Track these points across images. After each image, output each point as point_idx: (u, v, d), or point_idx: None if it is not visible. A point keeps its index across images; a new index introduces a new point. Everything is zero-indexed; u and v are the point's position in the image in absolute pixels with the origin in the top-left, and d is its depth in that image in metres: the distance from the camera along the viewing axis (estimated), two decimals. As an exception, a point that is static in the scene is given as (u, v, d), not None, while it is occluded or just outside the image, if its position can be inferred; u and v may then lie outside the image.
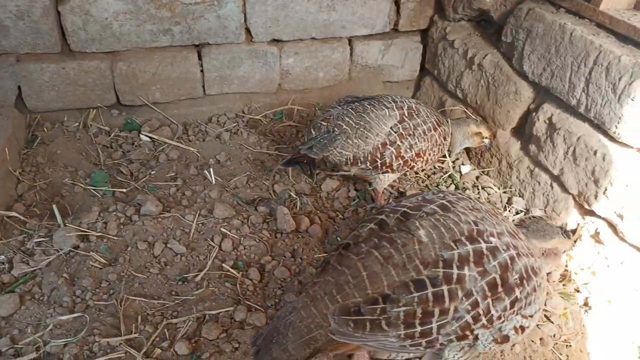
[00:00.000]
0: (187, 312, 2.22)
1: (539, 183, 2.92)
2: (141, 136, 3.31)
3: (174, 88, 3.41)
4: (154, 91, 3.38)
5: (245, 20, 3.30)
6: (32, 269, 2.31)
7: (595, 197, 2.56)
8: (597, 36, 2.53)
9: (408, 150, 2.73)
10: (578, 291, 2.60)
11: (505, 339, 1.70)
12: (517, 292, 1.63)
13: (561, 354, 2.32)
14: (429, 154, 2.84)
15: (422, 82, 3.89)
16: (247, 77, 3.52)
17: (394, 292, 1.54)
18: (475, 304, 1.56)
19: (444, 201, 1.74)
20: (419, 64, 3.89)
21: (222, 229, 2.63)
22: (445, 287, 1.53)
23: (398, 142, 2.70)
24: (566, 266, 2.69)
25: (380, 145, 2.68)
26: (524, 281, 1.65)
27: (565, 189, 2.76)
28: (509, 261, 1.62)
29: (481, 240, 1.62)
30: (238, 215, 2.74)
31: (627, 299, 2.46)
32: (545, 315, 2.45)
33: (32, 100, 3.16)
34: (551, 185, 2.85)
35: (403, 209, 1.73)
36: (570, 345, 2.36)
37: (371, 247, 1.62)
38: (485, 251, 1.60)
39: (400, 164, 2.75)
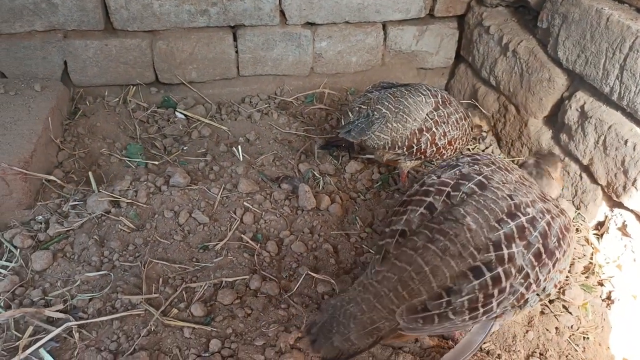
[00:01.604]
0: (205, 277, 2.32)
1: (568, 173, 2.85)
2: (176, 113, 3.44)
3: (209, 68, 3.52)
4: (190, 70, 3.50)
5: (279, 2, 3.36)
6: (66, 229, 2.47)
7: (624, 188, 2.48)
8: (636, 21, 2.44)
9: (442, 138, 2.74)
10: (601, 284, 2.53)
11: (547, 295, 1.82)
12: (558, 254, 1.72)
13: (577, 345, 2.27)
14: (459, 143, 2.87)
15: (457, 69, 3.85)
16: (281, 60, 3.59)
17: (455, 284, 1.60)
18: (526, 276, 1.65)
19: (480, 178, 1.80)
20: (454, 51, 3.84)
21: (244, 203, 2.71)
22: (500, 269, 1.60)
23: (434, 129, 2.71)
24: (591, 258, 2.62)
25: (417, 131, 2.70)
26: (561, 241, 1.73)
27: (594, 180, 2.69)
28: (547, 228, 1.70)
29: (520, 215, 1.68)
30: (261, 191, 2.82)
31: (653, 295, 2.38)
32: (564, 306, 2.40)
33: (76, 75, 3.34)
34: (580, 175, 2.78)
35: (446, 190, 1.78)
36: (588, 338, 2.31)
37: (426, 241, 1.67)
38: (526, 224, 1.66)
39: (433, 150, 2.76)
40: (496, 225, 1.65)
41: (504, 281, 1.60)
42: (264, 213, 2.69)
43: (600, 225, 2.69)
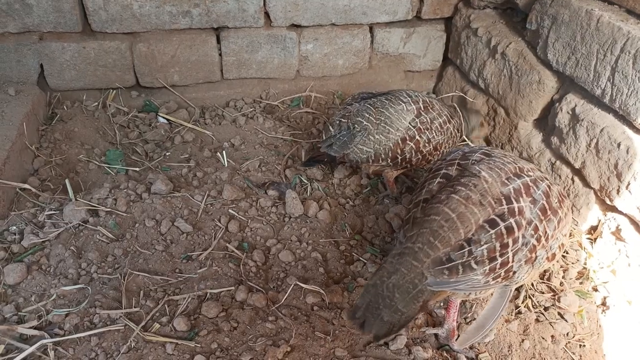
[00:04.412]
0: (189, 289, 2.22)
1: (560, 177, 2.81)
2: (158, 118, 3.33)
3: (192, 71, 3.42)
4: (172, 74, 3.40)
5: (264, 3, 3.28)
6: (42, 240, 2.35)
7: (618, 192, 2.44)
8: (626, 22, 2.41)
9: (427, 145, 2.69)
10: (596, 290, 2.48)
11: (553, 256, 1.92)
12: (560, 213, 1.87)
13: (574, 354, 2.22)
14: (445, 147, 2.81)
15: (445, 72, 3.80)
16: (266, 62, 3.50)
17: (474, 235, 1.72)
18: (535, 229, 1.78)
19: (484, 150, 1.99)
20: (441, 54, 3.79)
21: (229, 211, 2.62)
22: (512, 220, 1.74)
23: (417, 137, 2.65)
24: (585, 264, 2.58)
25: (400, 141, 2.64)
26: (561, 203, 1.90)
27: (586, 183, 2.65)
28: (547, 189, 1.86)
29: (524, 175, 1.85)
30: (247, 198, 2.73)
31: (648, 300, 2.34)
32: (559, 313, 2.35)
33: (53, 79, 3.22)
34: (572, 179, 2.74)
35: (456, 161, 1.94)
36: (584, 346, 2.26)
37: (450, 193, 1.80)
38: (530, 183, 1.83)
39: (419, 158, 2.71)
40: (506, 181, 1.81)
41: (517, 231, 1.74)
42: (249, 221, 2.60)
43: (593, 229, 2.64)
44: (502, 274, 1.76)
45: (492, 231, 1.71)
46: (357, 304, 1.76)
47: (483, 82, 3.34)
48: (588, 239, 2.65)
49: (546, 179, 1.92)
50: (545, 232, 1.81)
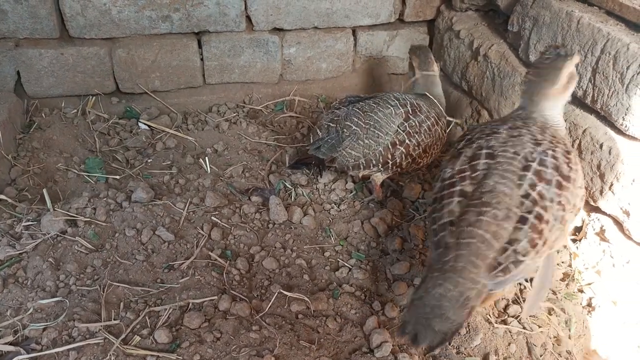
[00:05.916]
0: (170, 300, 2.17)
1: (544, 178, 2.81)
2: (139, 124, 3.28)
3: (173, 76, 3.37)
4: (153, 79, 3.35)
5: (245, 7, 3.25)
6: (19, 252, 2.29)
7: (601, 192, 2.44)
8: (606, 24, 2.41)
9: (416, 148, 2.68)
10: (581, 291, 2.48)
11: (578, 210, 2.01)
12: (572, 174, 1.94)
13: (559, 355, 2.21)
14: (434, 149, 2.81)
15: (428, 74, 3.78)
16: (248, 67, 3.46)
17: (512, 235, 1.82)
18: (559, 203, 1.88)
19: (484, 151, 2.01)
20: (425, 56, 3.79)
21: (212, 218, 2.58)
22: (537, 208, 1.84)
23: (407, 141, 2.64)
24: (570, 265, 2.58)
25: (390, 145, 2.62)
26: (570, 164, 1.96)
27: (570, 184, 2.64)
28: (554, 161, 1.93)
29: (530, 162, 1.91)
30: (230, 205, 2.69)
31: (634, 300, 2.34)
32: (546, 315, 2.34)
33: (31, 86, 3.15)
34: (556, 180, 2.74)
35: (466, 174, 1.96)
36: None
37: (478, 215, 1.85)
38: (538, 167, 1.90)
39: (409, 162, 2.70)
40: (519, 182, 1.88)
41: (546, 214, 1.84)
42: (233, 228, 2.56)
43: (577, 230, 2.64)
44: (545, 248, 1.88)
45: (526, 226, 1.82)
46: (404, 320, 1.80)
47: (466, 84, 3.33)
48: (573, 239, 2.65)
49: (548, 147, 1.96)
50: (568, 200, 1.90)
